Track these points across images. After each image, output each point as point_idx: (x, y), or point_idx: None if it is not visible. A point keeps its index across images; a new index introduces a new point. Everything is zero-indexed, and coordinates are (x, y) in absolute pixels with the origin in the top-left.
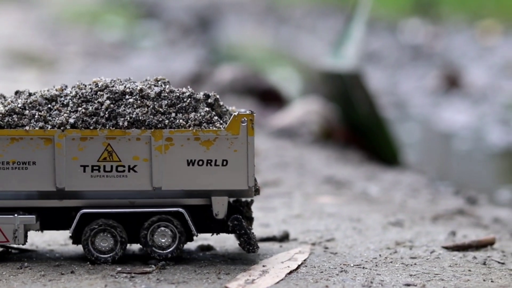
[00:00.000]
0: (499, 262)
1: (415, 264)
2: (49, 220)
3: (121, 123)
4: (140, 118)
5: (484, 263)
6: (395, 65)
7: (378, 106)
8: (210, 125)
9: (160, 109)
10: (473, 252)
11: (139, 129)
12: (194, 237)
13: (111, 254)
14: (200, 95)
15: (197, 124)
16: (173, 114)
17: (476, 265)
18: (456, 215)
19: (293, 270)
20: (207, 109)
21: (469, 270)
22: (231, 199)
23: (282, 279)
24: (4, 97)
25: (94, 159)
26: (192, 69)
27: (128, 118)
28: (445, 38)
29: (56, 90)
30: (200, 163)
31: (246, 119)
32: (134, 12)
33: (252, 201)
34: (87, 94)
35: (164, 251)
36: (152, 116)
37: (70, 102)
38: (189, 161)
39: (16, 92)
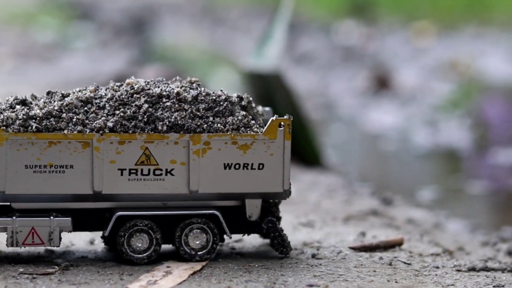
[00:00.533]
0: (405, 263)
1: (320, 264)
2: (83, 221)
3: (160, 127)
4: (179, 122)
5: (390, 264)
6: (327, 66)
7: (300, 106)
8: (248, 129)
9: (198, 113)
10: (380, 253)
11: (178, 133)
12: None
13: (146, 254)
14: (234, 97)
15: (235, 128)
16: (211, 118)
17: (382, 266)
18: (369, 215)
19: (197, 271)
20: (244, 113)
21: (374, 271)
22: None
23: (184, 280)
24: (36, 97)
25: (132, 162)
26: (119, 70)
27: (167, 122)
28: (379, 39)
29: (90, 91)
30: (237, 166)
31: (283, 123)
32: (69, 13)
33: (280, 202)
34: (123, 97)
35: (199, 253)
36: (190, 120)
37: (107, 105)
38: (226, 164)
39: (48, 93)
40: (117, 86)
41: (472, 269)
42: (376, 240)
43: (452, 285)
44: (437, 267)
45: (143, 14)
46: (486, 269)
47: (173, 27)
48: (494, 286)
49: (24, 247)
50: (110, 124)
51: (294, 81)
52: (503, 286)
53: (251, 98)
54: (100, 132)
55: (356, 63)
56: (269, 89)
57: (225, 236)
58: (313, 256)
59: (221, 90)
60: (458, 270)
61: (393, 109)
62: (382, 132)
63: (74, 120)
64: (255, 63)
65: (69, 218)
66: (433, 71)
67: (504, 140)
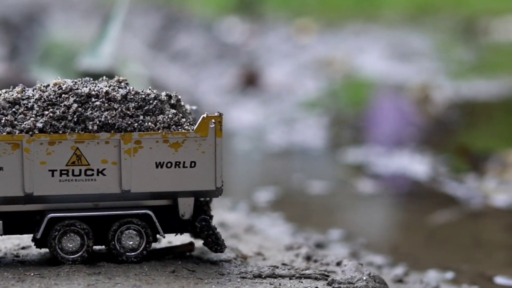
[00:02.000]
0: (189, 270)
1: (99, 273)
2: (13, 224)
3: (90, 127)
4: (109, 121)
5: (173, 271)
6: (201, 63)
7: None
8: (179, 127)
9: (128, 112)
10: (169, 260)
11: (109, 132)
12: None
13: (77, 255)
14: (163, 96)
15: (166, 126)
16: (141, 117)
17: (163, 274)
18: None
19: None
20: (174, 111)
21: (153, 279)
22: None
23: None
24: None
25: (62, 163)
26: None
27: (98, 122)
28: (261, 36)
29: (17, 92)
30: (169, 165)
31: (214, 121)
32: None
33: (211, 200)
34: (51, 97)
35: (132, 253)
36: (121, 119)
37: (35, 106)
38: (158, 163)
39: None
40: (44, 86)
41: (258, 276)
42: (164, 245)
43: None
44: (222, 274)
45: (32, 11)
46: (273, 276)
47: (64, 24)
48: None
49: None
50: (39, 124)
51: (166, 78)
52: None
53: (180, 97)
54: (30, 133)
55: (231, 60)
56: None
57: (158, 236)
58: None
59: (150, 89)
60: (243, 277)
61: (255, 107)
62: (239, 131)
63: (2, 121)
64: (89, 62)
65: (0, 221)
66: (308, 69)
67: (365, 139)
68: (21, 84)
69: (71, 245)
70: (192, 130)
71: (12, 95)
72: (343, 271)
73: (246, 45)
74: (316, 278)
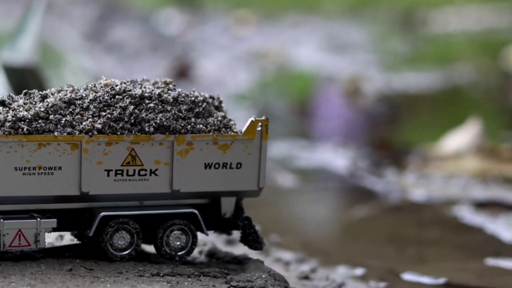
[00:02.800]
0: (87, 268)
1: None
2: (66, 221)
3: (147, 129)
4: (164, 123)
5: (71, 270)
6: (135, 55)
7: None
8: (228, 129)
9: (180, 114)
10: (68, 258)
11: (163, 134)
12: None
13: (128, 252)
14: (208, 98)
15: (216, 129)
16: (193, 119)
17: (60, 272)
18: None
19: None
20: (222, 113)
21: (49, 278)
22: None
23: None
24: (12, 98)
25: (118, 163)
26: None
27: (153, 124)
28: (199, 27)
29: (70, 92)
30: (217, 166)
31: (261, 124)
32: None
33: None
34: (106, 98)
35: (179, 253)
36: (175, 122)
37: (91, 106)
38: (207, 164)
39: (25, 93)
40: (94, 86)
41: (156, 274)
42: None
43: None
44: (120, 273)
45: None
46: (171, 274)
47: (4, 15)
48: None
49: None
50: (98, 125)
51: (101, 70)
52: None
53: (222, 99)
54: (90, 133)
55: (165, 52)
56: (23, 82)
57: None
58: None
59: (194, 91)
60: (141, 276)
61: None
62: None
63: (62, 121)
64: (9, 56)
65: (55, 220)
66: (243, 60)
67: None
68: (70, 84)
69: (121, 243)
70: (241, 132)
71: (66, 95)
72: (243, 269)
73: (183, 36)
74: (215, 276)
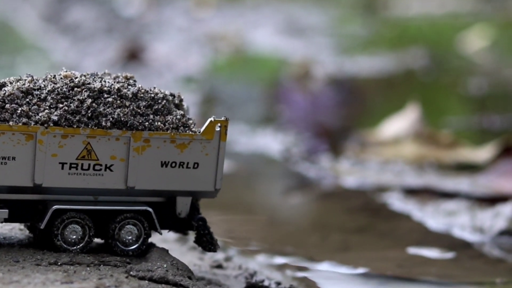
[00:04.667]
0: None
1: None
2: (19, 213)
3: (104, 123)
4: (122, 119)
5: None
6: (89, 37)
7: None
8: (186, 128)
9: (139, 110)
10: None
11: (120, 129)
12: None
13: (79, 246)
14: (168, 95)
15: (175, 127)
16: (151, 116)
17: None
18: None
19: None
20: (182, 112)
21: None
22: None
23: None
24: None
25: (73, 156)
26: None
27: (111, 118)
28: (159, 9)
29: (28, 82)
30: (173, 164)
31: (221, 125)
32: None
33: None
34: (64, 90)
35: (128, 248)
36: (132, 117)
37: (49, 97)
38: (163, 162)
39: None
40: (53, 77)
41: (54, 263)
42: None
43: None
44: (17, 261)
45: None
46: (69, 263)
47: None
48: (62, 283)
49: None
50: (54, 117)
51: (53, 53)
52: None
53: (182, 97)
54: (45, 125)
55: (120, 34)
56: None
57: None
58: None
59: (154, 87)
60: (38, 265)
61: None
62: None
63: (18, 111)
64: None
65: (6, 210)
66: (198, 43)
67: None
68: (28, 73)
69: (73, 237)
70: (199, 132)
71: (24, 84)
72: (146, 258)
73: (142, 18)
74: (115, 266)
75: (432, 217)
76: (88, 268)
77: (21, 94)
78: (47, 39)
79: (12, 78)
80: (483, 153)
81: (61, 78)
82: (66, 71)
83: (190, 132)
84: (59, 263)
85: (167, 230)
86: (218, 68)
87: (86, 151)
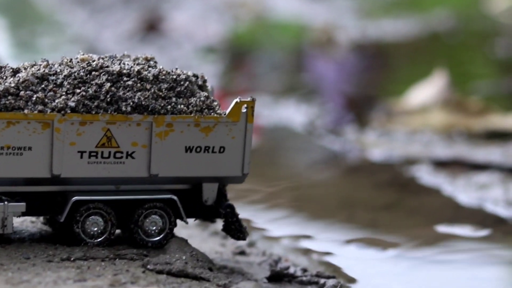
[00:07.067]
0: None
1: None
2: (36, 206)
3: (124, 108)
4: (142, 103)
5: None
6: (107, 8)
7: None
8: (211, 111)
9: (160, 93)
10: None
11: (141, 114)
12: None
13: (102, 238)
14: (191, 76)
15: (198, 110)
16: (174, 99)
17: None
18: None
19: None
20: (205, 93)
21: None
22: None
23: None
24: None
25: (92, 144)
26: None
27: (131, 103)
28: None
29: (43, 67)
30: (198, 149)
31: (247, 105)
32: None
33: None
34: (82, 74)
35: (149, 239)
36: (154, 101)
37: (65, 83)
38: (187, 147)
39: None
40: (70, 61)
41: (67, 259)
42: None
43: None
44: (28, 258)
45: None
46: (83, 258)
47: None
48: (75, 281)
49: None
50: (71, 103)
51: (70, 25)
52: None
53: (206, 77)
54: (62, 112)
55: (138, 4)
56: None
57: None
58: None
59: (176, 68)
60: (50, 261)
61: (153, 54)
62: None
63: (33, 98)
64: None
65: (24, 204)
66: (217, 11)
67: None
68: (44, 58)
69: (95, 229)
70: (225, 114)
71: (39, 69)
72: (164, 250)
73: None
74: (132, 259)
75: (463, 191)
76: (102, 263)
77: (36, 80)
78: (65, 11)
79: (26, 63)
80: None
81: (78, 62)
82: (83, 54)
83: (215, 115)
84: (72, 259)
85: (193, 219)
86: (239, 37)
87: (106, 138)
